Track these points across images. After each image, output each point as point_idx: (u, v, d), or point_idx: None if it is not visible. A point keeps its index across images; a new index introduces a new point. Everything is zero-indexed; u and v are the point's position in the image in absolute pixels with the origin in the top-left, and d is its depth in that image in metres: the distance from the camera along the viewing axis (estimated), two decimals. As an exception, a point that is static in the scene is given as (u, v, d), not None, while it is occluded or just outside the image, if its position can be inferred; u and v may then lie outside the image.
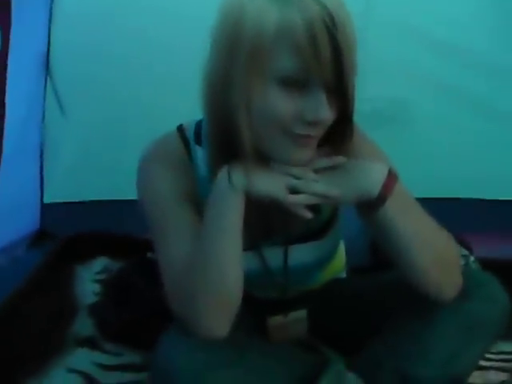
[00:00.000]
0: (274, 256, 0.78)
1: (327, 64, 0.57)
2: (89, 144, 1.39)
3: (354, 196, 0.65)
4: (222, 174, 0.64)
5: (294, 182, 0.63)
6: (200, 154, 0.73)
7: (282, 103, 0.59)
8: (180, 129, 0.75)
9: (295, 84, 0.59)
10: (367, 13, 1.20)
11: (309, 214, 0.64)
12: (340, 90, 0.59)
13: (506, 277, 0.75)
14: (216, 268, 0.63)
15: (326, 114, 0.60)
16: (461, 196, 1.36)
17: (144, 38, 1.28)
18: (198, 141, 0.73)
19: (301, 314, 0.82)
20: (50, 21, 1.27)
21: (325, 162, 0.65)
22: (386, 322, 0.77)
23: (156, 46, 1.28)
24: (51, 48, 1.32)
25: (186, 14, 1.25)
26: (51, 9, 1.28)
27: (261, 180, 0.63)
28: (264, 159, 0.64)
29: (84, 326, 1.13)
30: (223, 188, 0.63)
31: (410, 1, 1.26)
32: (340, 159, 0.65)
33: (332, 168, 0.65)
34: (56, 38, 1.31)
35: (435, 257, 0.67)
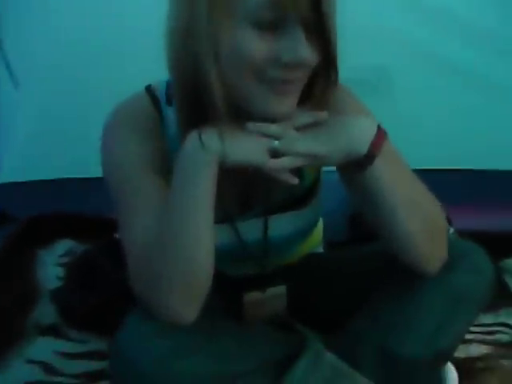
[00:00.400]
0: (252, 228, 0.73)
1: None
2: (47, 117, 1.29)
3: (340, 155, 0.59)
4: (192, 138, 0.57)
5: (275, 143, 0.57)
6: (171, 114, 0.66)
7: (255, 44, 0.53)
8: (149, 89, 0.68)
9: (269, 25, 0.53)
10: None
11: (295, 180, 0.58)
12: (319, 26, 0.53)
13: (489, 249, 0.71)
14: (185, 242, 0.57)
15: (305, 53, 0.53)
16: (441, 167, 1.32)
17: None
18: (169, 101, 0.67)
19: (280, 289, 0.77)
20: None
21: (306, 117, 0.59)
22: (366, 296, 0.73)
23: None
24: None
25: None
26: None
27: (237, 145, 0.56)
28: (238, 119, 0.58)
29: (46, 312, 1.06)
30: (193, 154, 0.56)
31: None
32: (322, 114, 0.59)
33: (314, 125, 0.59)
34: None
35: (423, 223, 0.63)
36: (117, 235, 1.27)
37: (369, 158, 0.59)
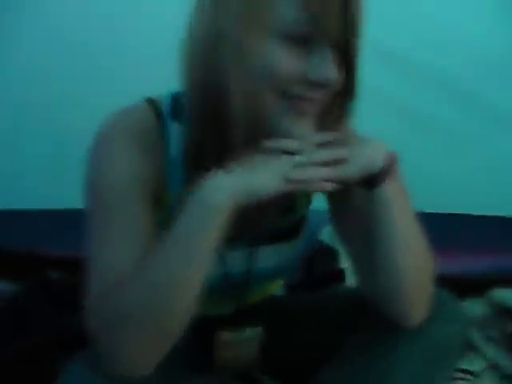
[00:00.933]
0: (236, 258, 0.68)
1: (336, 13, 0.51)
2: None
3: (359, 169, 0.56)
4: (211, 180, 0.52)
5: (296, 158, 0.54)
6: (175, 130, 0.61)
7: (285, 59, 0.52)
8: (150, 101, 0.62)
9: (299, 39, 0.52)
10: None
11: (329, 185, 0.54)
12: (347, 49, 0.53)
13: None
14: (171, 286, 0.51)
15: (332, 73, 0.52)
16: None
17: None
18: (176, 116, 0.61)
19: (256, 331, 0.71)
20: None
21: (320, 136, 0.56)
22: (337, 345, 0.68)
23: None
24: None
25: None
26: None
27: (261, 177, 0.52)
28: (254, 138, 0.54)
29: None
30: (210, 197, 0.51)
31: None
32: (335, 134, 0.57)
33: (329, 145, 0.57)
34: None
35: (417, 264, 0.60)
36: (50, 273, 1.17)
37: (383, 173, 0.57)
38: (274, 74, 0.52)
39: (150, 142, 0.60)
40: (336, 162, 0.55)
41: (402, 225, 0.59)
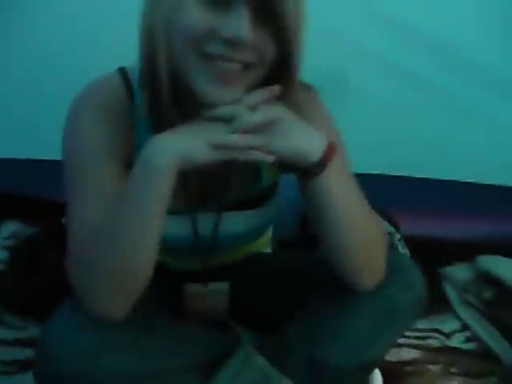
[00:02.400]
0: (205, 222, 0.73)
1: None
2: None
3: (292, 153, 0.58)
4: (151, 144, 0.56)
5: (229, 126, 0.56)
6: (141, 96, 0.65)
7: (197, 16, 0.54)
8: (122, 70, 0.67)
9: (216, 1, 0.53)
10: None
11: (270, 158, 0.57)
12: (268, 9, 0.53)
13: (433, 255, 0.73)
14: (128, 240, 0.57)
15: (244, 31, 0.53)
16: (393, 173, 1.35)
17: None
18: (143, 83, 0.64)
19: (222, 286, 0.78)
20: None
21: (257, 95, 0.57)
22: (303, 303, 0.74)
23: None
24: None
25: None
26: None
27: (197, 144, 0.56)
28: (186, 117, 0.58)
29: (-18, 296, 1.03)
30: (152, 160, 0.55)
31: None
32: (275, 89, 0.58)
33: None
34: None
35: (362, 242, 0.63)
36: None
37: (317, 168, 0.59)
38: (186, 30, 0.54)
39: (121, 110, 0.63)
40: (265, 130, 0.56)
41: (344, 209, 0.61)
